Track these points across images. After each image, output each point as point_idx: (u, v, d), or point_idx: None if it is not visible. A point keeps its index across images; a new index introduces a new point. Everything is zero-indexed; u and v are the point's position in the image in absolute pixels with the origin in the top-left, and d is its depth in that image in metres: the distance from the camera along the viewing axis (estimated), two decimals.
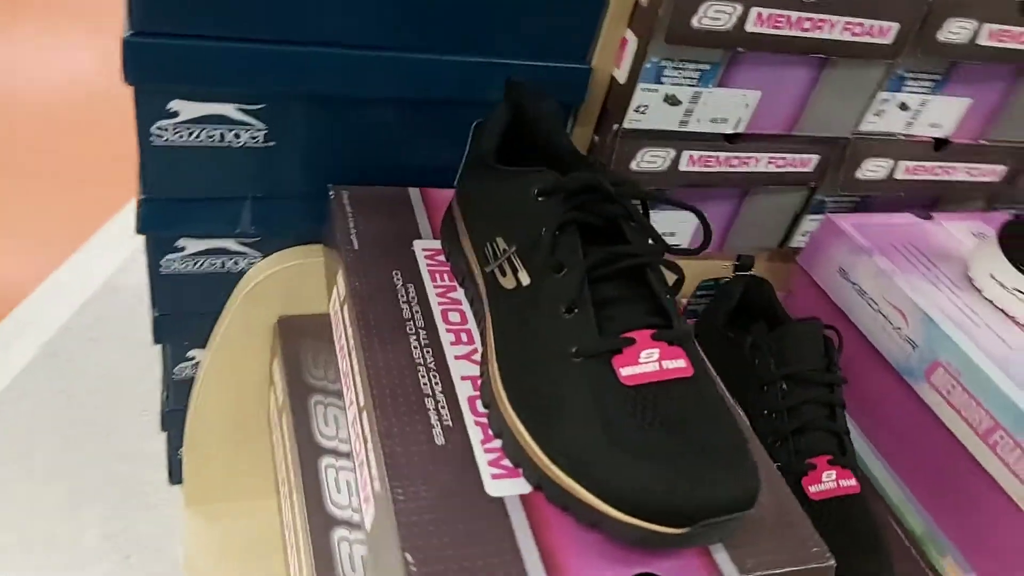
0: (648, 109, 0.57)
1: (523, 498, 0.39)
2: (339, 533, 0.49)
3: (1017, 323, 0.59)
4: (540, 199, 0.42)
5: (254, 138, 0.53)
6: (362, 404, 0.43)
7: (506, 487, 0.39)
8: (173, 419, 0.69)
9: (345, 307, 0.48)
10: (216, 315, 0.62)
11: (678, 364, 0.39)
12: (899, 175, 0.68)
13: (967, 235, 0.69)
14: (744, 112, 0.59)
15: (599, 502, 0.36)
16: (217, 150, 0.52)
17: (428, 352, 0.45)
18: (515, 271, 0.42)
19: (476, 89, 0.55)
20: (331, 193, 0.55)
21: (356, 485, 0.50)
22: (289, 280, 0.59)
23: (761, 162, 0.63)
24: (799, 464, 0.53)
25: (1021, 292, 0.58)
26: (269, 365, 0.64)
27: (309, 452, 0.53)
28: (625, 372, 0.38)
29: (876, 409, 0.59)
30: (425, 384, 0.43)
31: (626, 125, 0.57)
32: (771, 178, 0.65)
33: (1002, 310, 0.60)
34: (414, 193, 0.57)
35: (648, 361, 0.39)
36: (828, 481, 0.52)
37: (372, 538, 0.40)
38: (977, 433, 0.54)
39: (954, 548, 0.56)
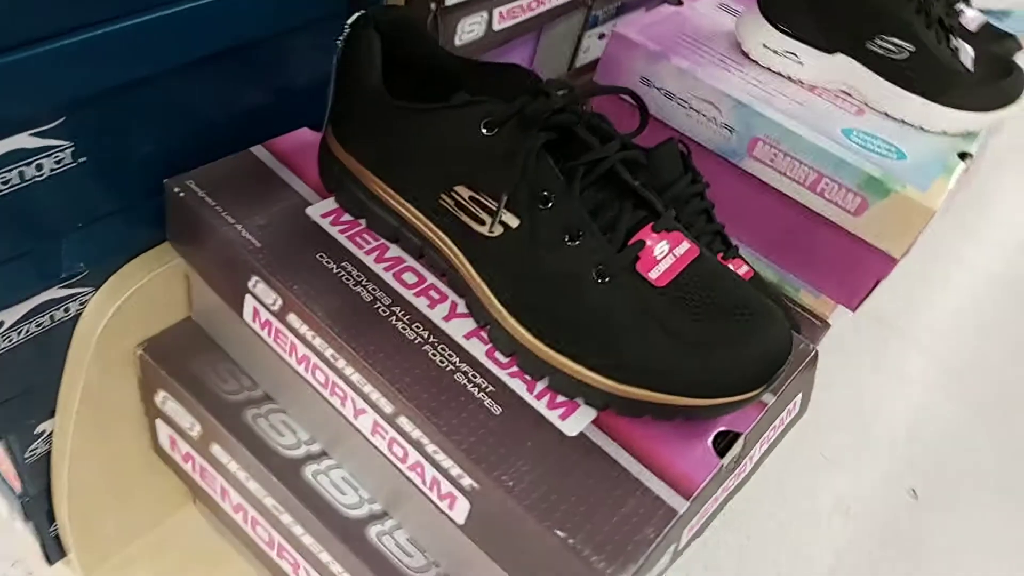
0: None
1: (595, 422, 0.40)
2: (374, 529, 0.46)
3: (794, 81, 0.68)
4: (491, 132, 0.39)
5: (60, 161, 0.40)
6: (389, 411, 0.40)
7: (577, 421, 0.40)
8: (34, 505, 0.56)
9: (291, 315, 0.42)
10: (57, 376, 0.50)
11: (685, 247, 0.41)
12: None
13: (715, 11, 0.75)
14: None
15: (683, 399, 0.39)
16: (18, 195, 0.39)
17: (417, 327, 0.42)
18: (496, 216, 0.40)
19: (276, 20, 0.46)
20: (176, 190, 0.45)
21: (354, 480, 0.48)
22: (139, 303, 0.49)
23: None
24: None
25: (791, 53, 0.67)
26: (144, 399, 0.54)
27: (285, 468, 0.47)
28: (653, 275, 0.39)
29: (712, 194, 0.66)
30: (442, 362, 0.41)
31: (448, 1, 0.53)
32: (560, 9, 0.65)
33: (779, 73, 0.68)
34: (261, 153, 0.49)
35: (663, 256, 0.40)
36: None
37: (472, 529, 0.39)
38: (805, 186, 0.64)
39: (803, 283, 0.68)
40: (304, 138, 0.50)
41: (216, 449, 0.50)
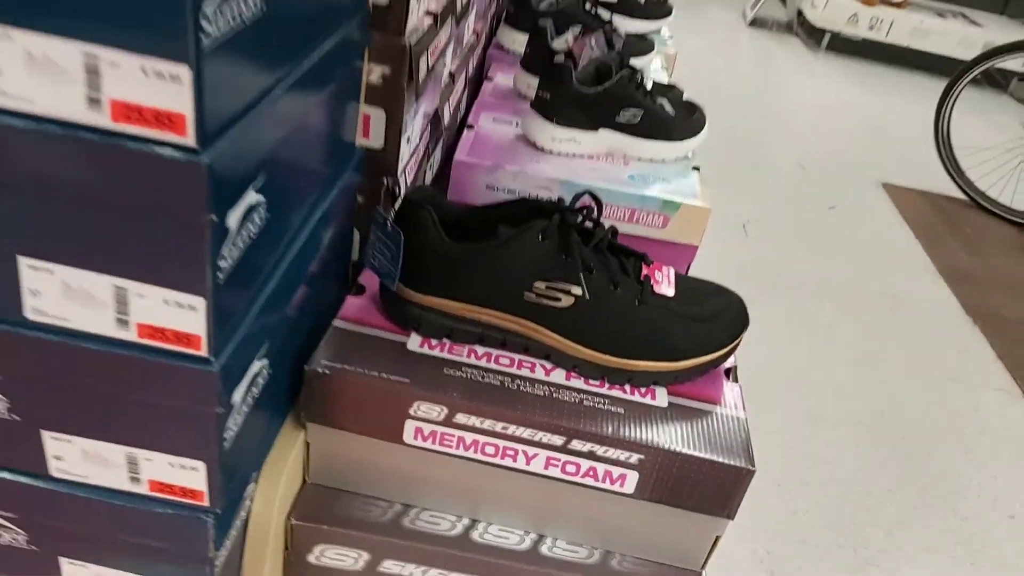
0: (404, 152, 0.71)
1: (669, 393, 0.62)
2: (544, 547, 0.62)
3: (578, 156, 0.96)
4: (545, 240, 0.59)
5: (260, 382, 0.51)
6: (560, 443, 0.57)
7: (662, 397, 0.61)
8: None
9: (459, 415, 0.57)
10: None
11: (669, 270, 0.64)
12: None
13: (495, 125, 1.00)
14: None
15: (714, 355, 0.62)
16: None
17: (538, 386, 0.60)
18: (567, 292, 0.59)
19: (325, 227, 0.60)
20: (319, 370, 0.57)
21: (506, 525, 0.63)
22: (284, 492, 0.58)
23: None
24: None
25: (571, 138, 0.94)
26: (290, 561, 0.62)
27: (459, 544, 0.60)
28: (667, 291, 0.62)
29: None
30: (571, 398, 0.59)
31: (398, 173, 0.70)
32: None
33: (567, 153, 0.95)
34: (343, 324, 0.62)
35: (663, 278, 0.63)
36: None
37: (641, 491, 0.58)
38: (625, 221, 0.91)
39: None
40: (357, 303, 0.64)
41: (388, 564, 0.61)
